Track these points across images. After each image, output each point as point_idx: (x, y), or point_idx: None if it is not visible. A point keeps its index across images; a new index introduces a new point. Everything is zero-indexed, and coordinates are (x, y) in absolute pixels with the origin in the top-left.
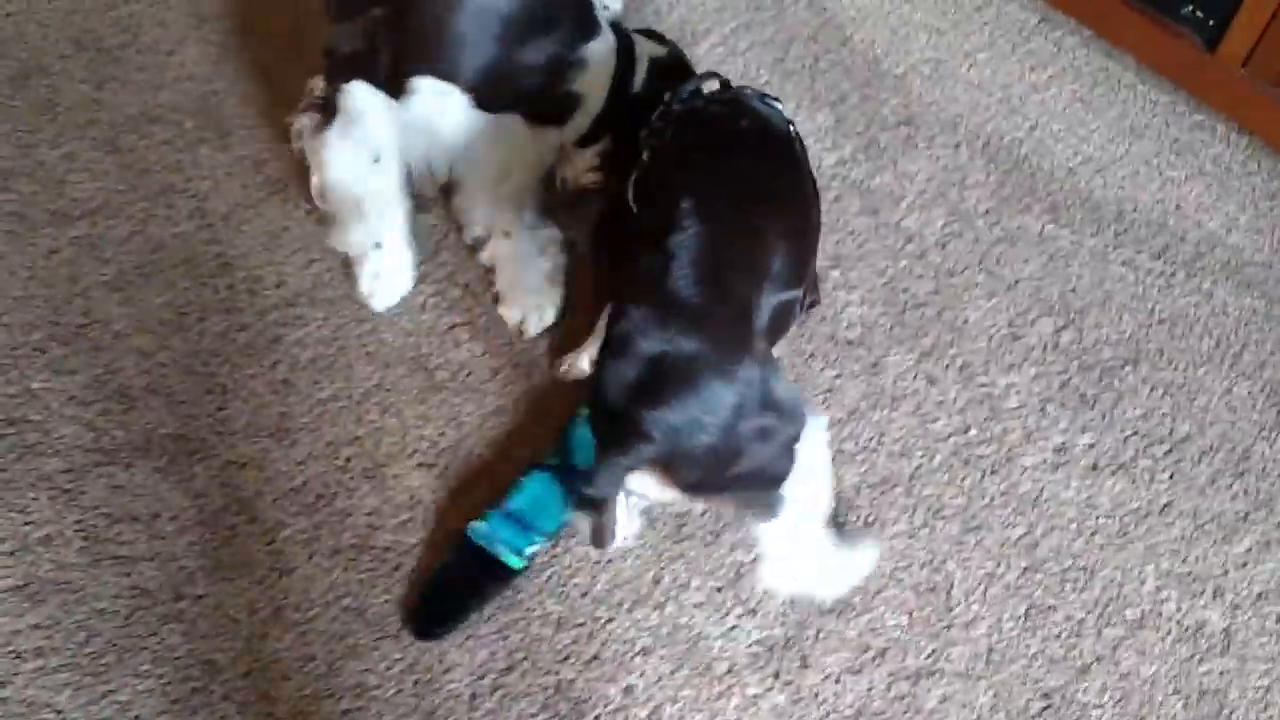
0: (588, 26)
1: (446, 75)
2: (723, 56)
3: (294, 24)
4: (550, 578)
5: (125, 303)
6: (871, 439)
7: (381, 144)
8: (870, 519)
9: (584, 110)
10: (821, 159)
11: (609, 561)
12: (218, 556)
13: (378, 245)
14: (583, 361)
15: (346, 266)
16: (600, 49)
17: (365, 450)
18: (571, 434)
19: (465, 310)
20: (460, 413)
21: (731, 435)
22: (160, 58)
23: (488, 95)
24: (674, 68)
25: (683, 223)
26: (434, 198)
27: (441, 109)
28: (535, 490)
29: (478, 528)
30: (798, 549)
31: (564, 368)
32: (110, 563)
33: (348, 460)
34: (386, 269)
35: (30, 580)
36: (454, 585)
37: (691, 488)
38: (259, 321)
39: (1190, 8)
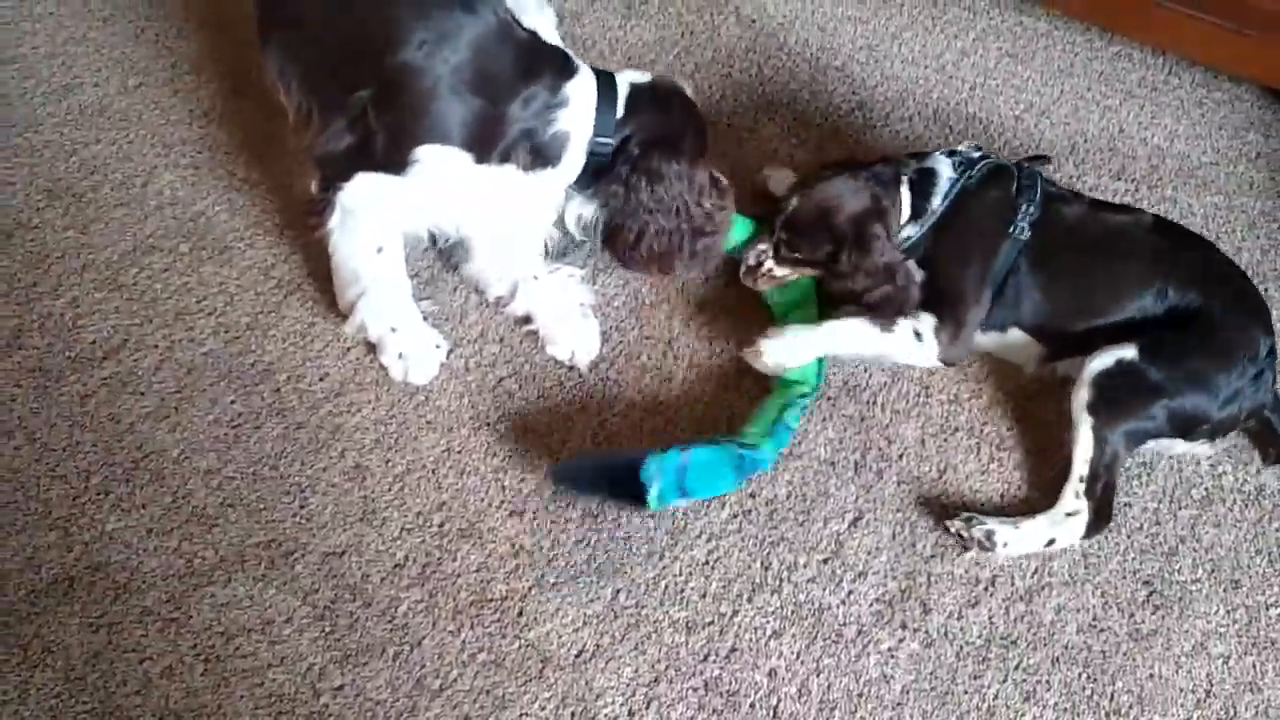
0: (567, 68)
1: (446, 139)
2: None
3: (260, 130)
4: (666, 587)
5: (175, 429)
6: (919, 392)
7: (383, 233)
8: (942, 466)
9: (574, 147)
10: (793, 154)
11: (718, 560)
12: (344, 646)
13: (394, 329)
14: (768, 356)
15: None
16: (580, 84)
17: (455, 512)
18: (767, 420)
19: (506, 363)
20: (533, 457)
21: None
22: (136, 191)
23: (486, 149)
24: (655, 92)
25: None
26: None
27: (446, 172)
28: (708, 459)
29: (648, 464)
30: None
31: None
32: (239, 678)
33: (441, 525)
34: (409, 348)
35: (163, 714)
36: (602, 472)
37: None
38: (314, 417)
39: None
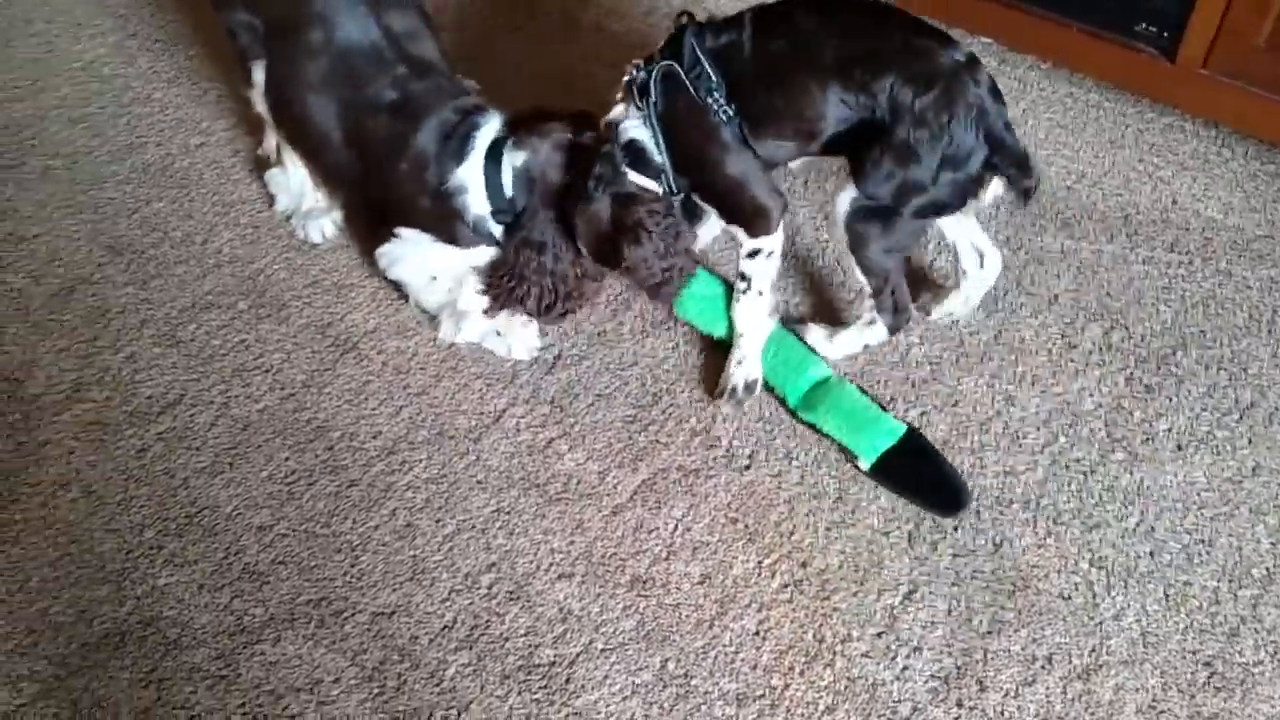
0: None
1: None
2: None
3: None
4: (716, 657)
5: (229, 484)
6: (973, 465)
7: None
8: (997, 540)
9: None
10: None
11: (769, 630)
12: (391, 709)
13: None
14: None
15: (435, 408)
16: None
17: (503, 574)
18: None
19: (557, 424)
20: (582, 519)
21: None
22: (196, 248)
23: None
24: (539, 174)
25: None
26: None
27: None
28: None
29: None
30: None
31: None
32: None
33: (490, 587)
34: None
35: None
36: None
37: None
38: (366, 475)
39: (1144, 25)
